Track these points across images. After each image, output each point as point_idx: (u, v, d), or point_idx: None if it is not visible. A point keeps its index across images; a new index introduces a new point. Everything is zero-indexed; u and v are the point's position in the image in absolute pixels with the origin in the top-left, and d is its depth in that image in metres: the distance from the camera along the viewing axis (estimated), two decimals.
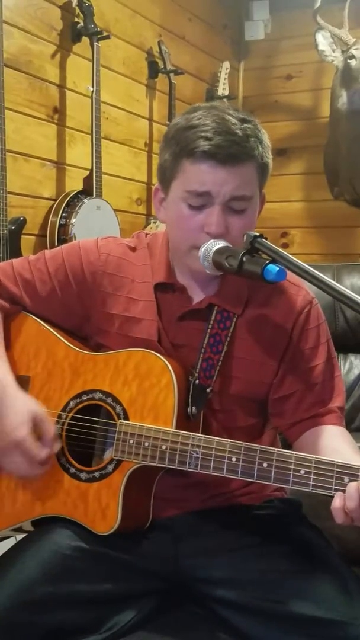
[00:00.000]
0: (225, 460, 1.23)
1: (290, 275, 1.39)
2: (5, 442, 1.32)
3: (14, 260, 1.52)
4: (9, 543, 1.47)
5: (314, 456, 1.18)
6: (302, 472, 1.17)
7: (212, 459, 1.24)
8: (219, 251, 1.27)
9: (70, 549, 1.30)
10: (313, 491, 1.17)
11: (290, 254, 1.23)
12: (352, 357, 2.76)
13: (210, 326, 1.37)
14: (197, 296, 1.41)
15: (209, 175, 1.27)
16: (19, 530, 1.43)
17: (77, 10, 2.89)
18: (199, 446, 1.25)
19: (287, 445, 1.42)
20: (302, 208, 4.14)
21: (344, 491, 1.14)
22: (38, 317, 1.47)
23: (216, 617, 1.31)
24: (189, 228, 1.31)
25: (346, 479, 1.14)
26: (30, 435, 1.32)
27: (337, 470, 1.15)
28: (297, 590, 1.26)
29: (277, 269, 1.21)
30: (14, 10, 2.67)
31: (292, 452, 1.20)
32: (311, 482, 1.16)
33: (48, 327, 1.45)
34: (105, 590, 1.29)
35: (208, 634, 1.30)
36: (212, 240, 1.29)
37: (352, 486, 1.13)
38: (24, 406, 1.35)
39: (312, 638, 1.22)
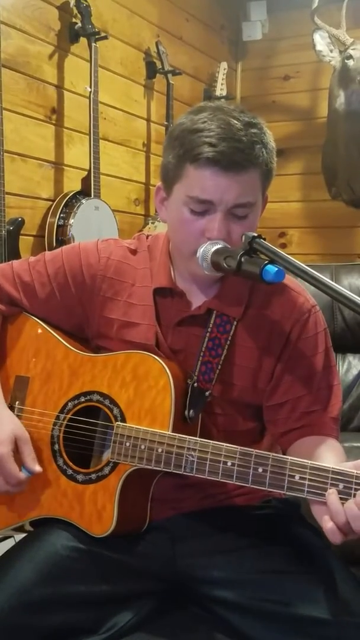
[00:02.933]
0: (221, 465, 1.22)
1: (293, 282, 1.40)
2: None
3: (14, 262, 1.52)
4: (8, 544, 1.47)
5: (309, 462, 1.17)
6: (297, 477, 1.17)
7: (208, 462, 1.23)
8: (217, 252, 1.27)
9: (67, 550, 1.30)
10: (308, 497, 1.16)
11: (289, 254, 1.23)
12: (350, 357, 2.77)
13: (209, 330, 1.37)
14: (197, 300, 1.40)
15: (212, 182, 1.26)
16: (19, 529, 1.43)
17: (75, 11, 2.89)
18: (194, 450, 1.24)
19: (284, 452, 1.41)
20: (300, 208, 4.15)
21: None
22: (38, 319, 1.47)
23: (214, 618, 1.31)
24: (190, 233, 1.30)
25: (341, 485, 1.13)
26: (9, 455, 1.33)
27: (332, 477, 1.14)
28: (295, 591, 1.26)
29: (276, 269, 1.21)
30: (11, 11, 2.67)
31: (288, 457, 1.19)
32: (306, 488, 1.16)
33: (48, 328, 1.45)
34: (103, 591, 1.29)
35: (206, 635, 1.30)
36: (210, 241, 1.28)
37: (333, 500, 1.12)
38: (7, 425, 1.36)
39: (310, 638, 1.22)
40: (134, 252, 1.46)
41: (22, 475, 1.34)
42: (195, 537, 1.37)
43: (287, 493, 1.18)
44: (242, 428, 1.41)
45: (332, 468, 1.15)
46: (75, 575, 1.28)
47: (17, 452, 1.35)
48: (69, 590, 1.26)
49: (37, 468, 1.35)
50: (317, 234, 4.11)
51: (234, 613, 1.28)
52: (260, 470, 1.20)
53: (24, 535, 1.40)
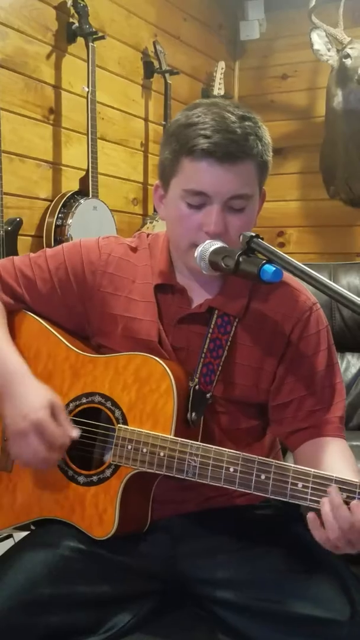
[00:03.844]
0: (223, 471, 1.22)
1: (293, 280, 1.39)
2: (23, 424, 1.28)
3: (15, 257, 1.51)
4: (8, 544, 1.47)
5: (312, 470, 1.17)
6: (300, 485, 1.16)
7: (210, 468, 1.23)
8: (215, 252, 1.27)
9: (68, 550, 1.30)
10: (310, 505, 1.15)
11: (287, 253, 1.23)
12: (349, 356, 2.78)
13: (210, 331, 1.37)
14: (198, 297, 1.40)
15: (207, 173, 1.26)
16: (21, 528, 1.43)
17: (72, 11, 2.89)
18: (196, 455, 1.24)
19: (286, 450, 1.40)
20: (299, 207, 4.15)
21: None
22: (39, 316, 1.46)
23: (215, 618, 1.31)
24: (188, 227, 1.30)
25: (344, 495, 1.13)
26: (50, 419, 1.29)
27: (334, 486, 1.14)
28: (296, 590, 1.26)
29: (274, 269, 1.21)
30: (9, 11, 2.67)
31: (290, 464, 1.19)
32: (309, 497, 1.15)
33: (49, 327, 1.45)
34: (103, 591, 1.29)
35: (207, 635, 1.30)
36: (208, 241, 1.28)
37: (328, 513, 1.12)
38: (44, 391, 1.33)
39: (311, 638, 1.22)
40: (134, 249, 1.46)
41: (66, 435, 1.30)
42: (195, 537, 1.37)
43: (290, 501, 1.17)
44: (245, 426, 1.41)
45: (335, 477, 1.14)
46: (76, 575, 1.28)
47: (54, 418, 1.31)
48: (69, 590, 1.26)
49: (76, 433, 1.32)
50: (316, 233, 4.11)
51: (235, 613, 1.28)
52: (262, 477, 1.19)
53: (23, 535, 1.40)
